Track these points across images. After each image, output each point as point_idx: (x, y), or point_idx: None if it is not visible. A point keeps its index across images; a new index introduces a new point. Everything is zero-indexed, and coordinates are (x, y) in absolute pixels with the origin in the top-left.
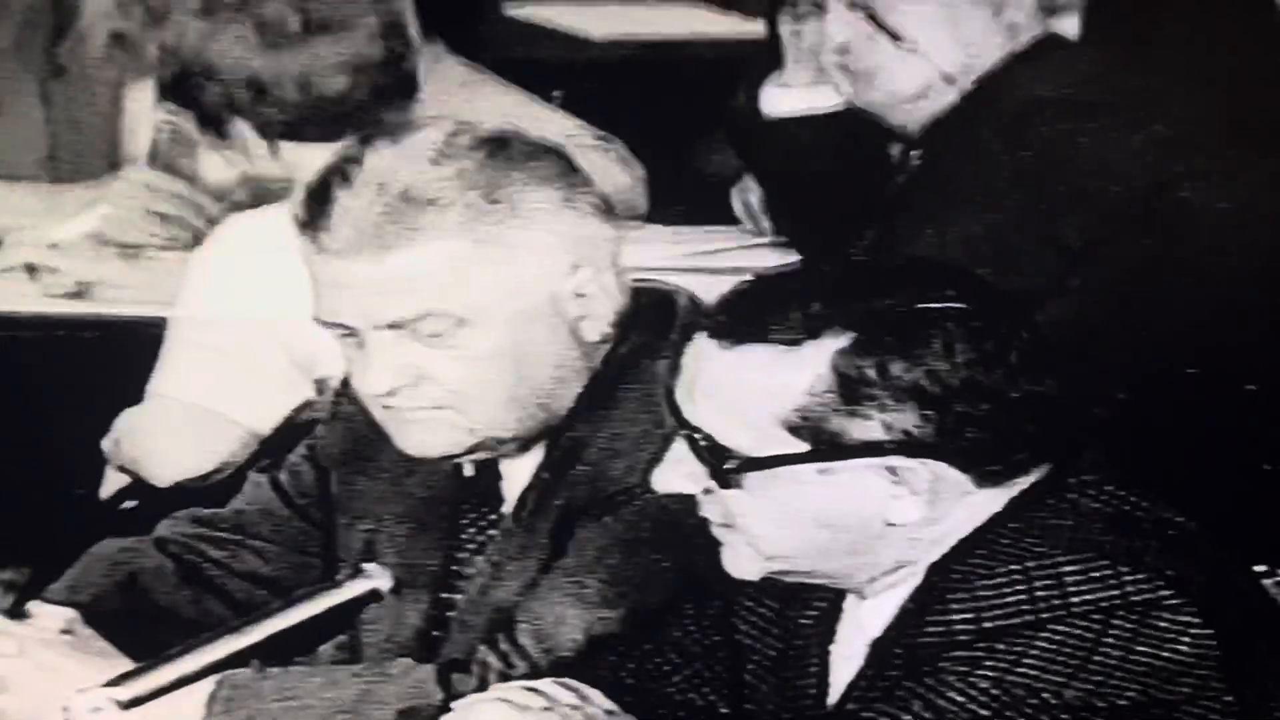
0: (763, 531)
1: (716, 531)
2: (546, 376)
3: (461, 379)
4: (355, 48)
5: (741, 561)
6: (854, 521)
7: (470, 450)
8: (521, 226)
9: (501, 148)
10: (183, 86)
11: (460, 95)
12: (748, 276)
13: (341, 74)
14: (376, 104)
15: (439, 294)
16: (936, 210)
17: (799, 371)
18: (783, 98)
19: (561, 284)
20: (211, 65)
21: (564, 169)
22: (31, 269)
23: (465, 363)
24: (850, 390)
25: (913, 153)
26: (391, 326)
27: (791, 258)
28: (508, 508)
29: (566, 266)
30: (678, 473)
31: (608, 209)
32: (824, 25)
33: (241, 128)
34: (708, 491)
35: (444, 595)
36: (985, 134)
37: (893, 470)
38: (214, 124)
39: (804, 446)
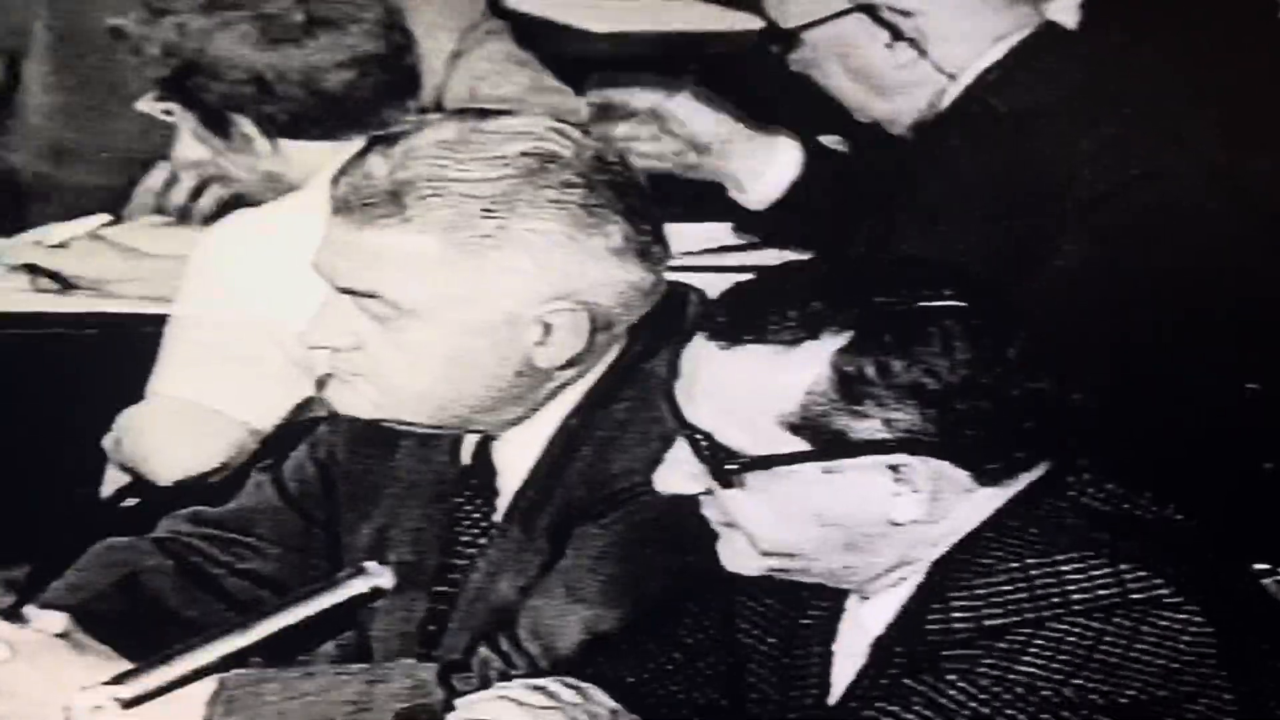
0: (764, 530)
1: (717, 529)
2: (476, 386)
3: (389, 359)
4: (358, 43)
5: (740, 557)
6: (856, 520)
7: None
8: (498, 246)
9: (544, 170)
10: (184, 84)
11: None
12: (746, 275)
13: (345, 70)
14: (379, 100)
15: (392, 281)
16: (923, 211)
17: (799, 371)
18: None
19: (527, 309)
20: (214, 62)
21: (600, 204)
22: (33, 270)
23: (397, 347)
24: (850, 389)
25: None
26: (344, 291)
27: (790, 256)
28: (503, 503)
29: (542, 295)
30: (679, 473)
31: (647, 252)
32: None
33: (244, 125)
34: (709, 492)
35: (445, 594)
36: (957, 136)
37: (894, 468)
38: (216, 122)
39: (805, 445)
